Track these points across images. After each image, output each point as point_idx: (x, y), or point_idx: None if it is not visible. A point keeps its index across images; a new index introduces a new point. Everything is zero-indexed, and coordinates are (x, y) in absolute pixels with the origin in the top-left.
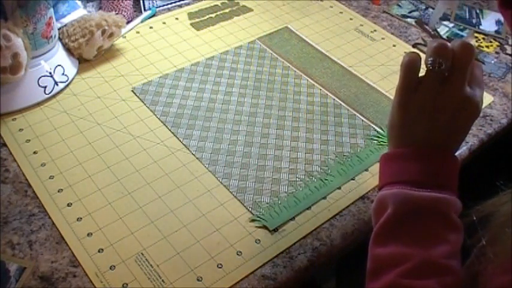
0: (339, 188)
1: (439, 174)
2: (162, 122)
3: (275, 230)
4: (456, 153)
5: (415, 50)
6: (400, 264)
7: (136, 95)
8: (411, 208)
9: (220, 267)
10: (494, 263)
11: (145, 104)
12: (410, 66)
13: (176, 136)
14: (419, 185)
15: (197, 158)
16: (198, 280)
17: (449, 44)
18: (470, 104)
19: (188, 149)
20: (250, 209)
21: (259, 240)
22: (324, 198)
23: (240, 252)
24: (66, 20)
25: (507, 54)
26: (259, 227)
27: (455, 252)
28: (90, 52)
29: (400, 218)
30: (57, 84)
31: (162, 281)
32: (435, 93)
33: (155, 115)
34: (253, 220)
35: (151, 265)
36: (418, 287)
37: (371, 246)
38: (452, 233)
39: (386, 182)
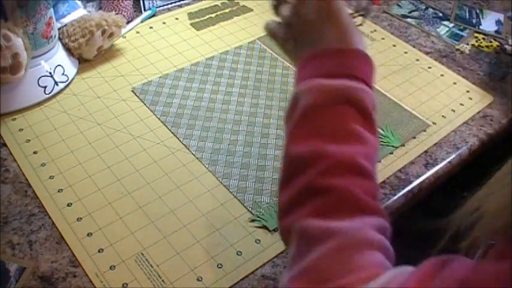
0: None
1: (354, 67)
2: (162, 122)
3: (275, 230)
4: (456, 152)
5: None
6: (315, 164)
7: (136, 95)
8: (325, 97)
9: (220, 267)
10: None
11: (145, 104)
12: None
13: (176, 136)
14: (334, 75)
15: (197, 158)
16: (198, 280)
17: None
18: None
19: (188, 149)
20: (250, 209)
21: (259, 240)
22: None
23: (240, 252)
24: (66, 20)
25: (507, 54)
26: (259, 227)
27: (371, 154)
28: (90, 52)
29: (314, 109)
30: (57, 84)
31: (162, 281)
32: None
33: (155, 115)
34: (253, 220)
35: (151, 265)
36: (335, 185)
37: (285, 149)
38: (369, 131)
39: (301, 81)
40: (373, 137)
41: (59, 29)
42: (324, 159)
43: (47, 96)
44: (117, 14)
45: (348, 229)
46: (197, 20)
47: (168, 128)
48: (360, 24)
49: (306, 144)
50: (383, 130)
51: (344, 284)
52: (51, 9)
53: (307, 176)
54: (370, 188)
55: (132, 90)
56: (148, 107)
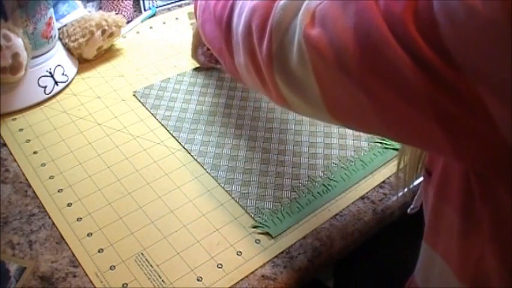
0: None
1: None
2: (163, 125)
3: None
4: None
5: None
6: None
7: (137, 99)
8: None
9: (220, 267)
10: None
11: (146, 108)
12: None
13: (177, 140)
14: None
15: (199, 163)
16: (198, 280)
17: None
18: None
19: (190, 153)
20: (252, 215)
21: (259, 240)
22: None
23: (240, 252)
24: (66, 20)
25: None
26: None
27: None
28: (90, 52)
29: None
30: (57, 84)
31: (162, 281)
32: None
33: (156, 119)
34: (255, 227)
35: (151, 265)
36: None
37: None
38: None
39: None
40: None
41: (59, 29)
42: None
43: (47, 96)
44: (117, 14)
45: None
46: None
47: (169, 132)
48: None
49: None
50: None
51: None
52: (51, 9)
53: None
54: None
55: (134, 95)
56: (149, 110)
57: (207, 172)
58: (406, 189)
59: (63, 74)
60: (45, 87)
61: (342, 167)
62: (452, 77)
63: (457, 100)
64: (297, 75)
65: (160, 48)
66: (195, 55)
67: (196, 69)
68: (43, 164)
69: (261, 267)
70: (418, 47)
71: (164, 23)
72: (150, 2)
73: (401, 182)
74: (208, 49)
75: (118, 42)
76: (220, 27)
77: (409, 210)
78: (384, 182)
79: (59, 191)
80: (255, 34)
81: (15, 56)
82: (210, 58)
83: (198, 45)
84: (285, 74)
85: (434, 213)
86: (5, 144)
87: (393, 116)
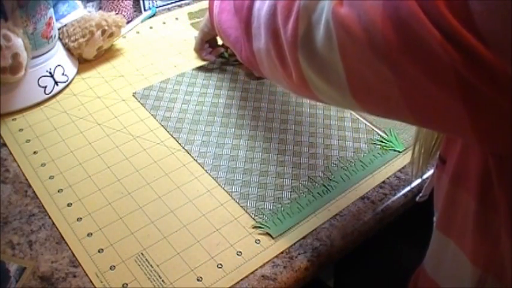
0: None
1: None
2: (163, 126)
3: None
4: None
5: None
6: None
7: (137, 100)
8: None
9: (220, 267)
10: None
11: (146, 109)
12: None
13: (178, 141)
14: None
15: (199, 164)
16: (198, 280)
17: None
18: None
19: (190, 154)
20: (253, 216)
21: (259, 240)
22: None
23: (240, 252)
24: (66, 20)
25: None
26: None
27: None
28: (90, 52)
29: None
30: (57, 84)
31: (162, 281)
32: None
33: (156, 120)
34: (256, 227)
35: (151, 265)
36: None
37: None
38: None
39: None
40: None
41: (59, 29)
42: None
43: (47, 96)
44: (117, 14)
45: None
46: (197, 20)
47: (169, 133)
48: None
49: None
50: (387, 134)
51: None
52: (51, 9)
53: None
54: None
55: (133, 95)
56: (149, 111)
57: (207, 172)
58: (419, 176)
59: (63, 74)
60: (45, 87)
61: (342, 168)
62: (482, 53)
63: (485, 77)
64: (322, 54)
65: (160, 48)
66: (198, 49)
67: (195, 69)
68: (43, 164)
69: (261, 267)
70: (448, 22)
71: (164, 23)
72: (150, 2)
73: (416, 170)
74: (210, 46)
75: (118, 42)
76: (240, 14)
77: (417, 199)
78: (383, 182)
79: (59, 191)
80: (280, 15)
81: (15, 56)
82: (211, 53)
83: (205, 40)
84: (309, 54)
85: (448, 200)
86: (5, 144)
87: (418, 94)
